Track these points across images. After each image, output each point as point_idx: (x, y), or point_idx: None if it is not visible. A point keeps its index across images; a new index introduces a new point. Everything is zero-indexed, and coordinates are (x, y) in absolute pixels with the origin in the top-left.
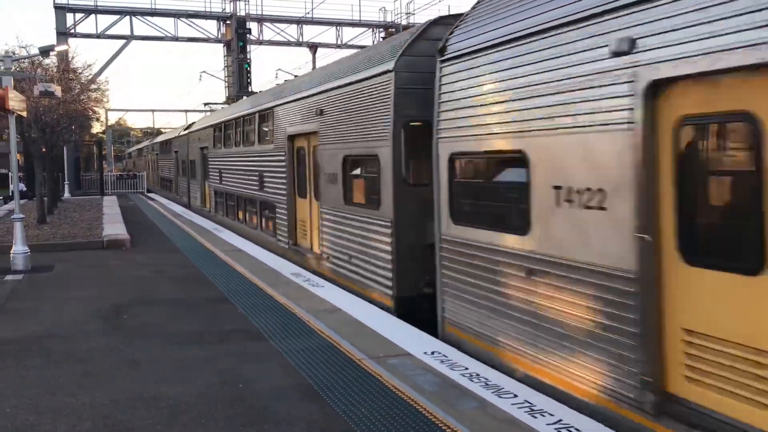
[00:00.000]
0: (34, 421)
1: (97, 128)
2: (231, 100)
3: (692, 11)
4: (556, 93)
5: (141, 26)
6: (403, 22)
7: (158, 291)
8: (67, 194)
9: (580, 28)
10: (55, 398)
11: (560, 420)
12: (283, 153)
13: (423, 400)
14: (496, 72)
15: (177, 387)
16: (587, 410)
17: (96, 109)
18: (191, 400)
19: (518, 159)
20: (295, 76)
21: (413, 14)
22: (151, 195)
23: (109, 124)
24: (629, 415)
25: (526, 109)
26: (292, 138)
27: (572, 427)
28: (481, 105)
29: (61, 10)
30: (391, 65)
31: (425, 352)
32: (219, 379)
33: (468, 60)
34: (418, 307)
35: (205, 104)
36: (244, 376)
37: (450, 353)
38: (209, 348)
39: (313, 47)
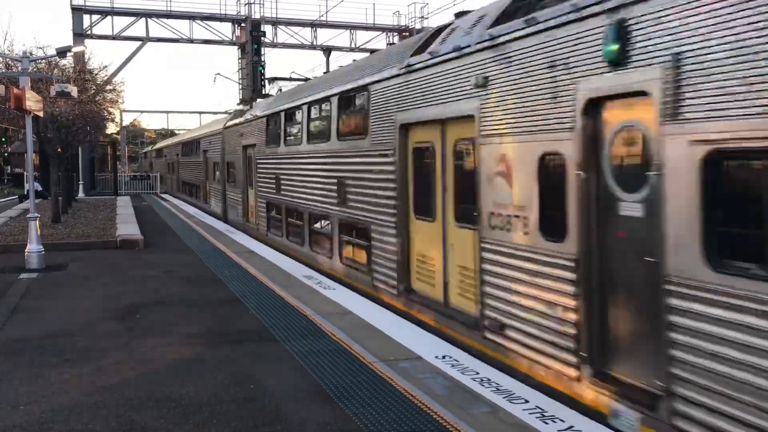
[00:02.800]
0: (48, 419)
1: (111, 129)
2: (244, 102)
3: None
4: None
5: (157, 28)
6: (417, 26)
7: (171, 291)
8: (81, 194)
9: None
10: (68, 396)
11: (572, 426)
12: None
13: (434, 404)
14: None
15: (189, 387)
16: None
17: (111, 109)
18: (203, 400)
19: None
20: (307, 78)
21: (427, 18)
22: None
23: (123, 124)
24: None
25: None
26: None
27: None
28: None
29: (77, 11)
30: (221, 126)
31: (436, 356)
32: (231, 380)
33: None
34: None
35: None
36: (256, 377)
37: (461, 357)
38: (221, 348)
39: (327, 50)
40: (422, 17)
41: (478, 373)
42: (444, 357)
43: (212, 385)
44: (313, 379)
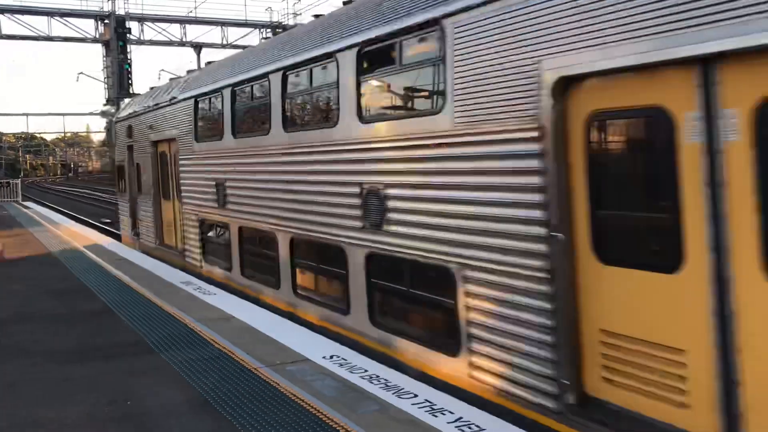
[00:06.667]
0: None
1: None
2: (111, 102)
3: None
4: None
5: (11, 25)
6: (290, 22)
7: (36, 306)
8: None
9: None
10: None
11: (460, 417)
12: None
13: (322, 406)
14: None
15: (60, 409)
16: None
17: None
18: (77, 423)
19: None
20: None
21: (299, 14)
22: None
23: None
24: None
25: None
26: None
27: (472, 423)
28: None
29: None
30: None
31: (324, 357)
32: (106, 398)
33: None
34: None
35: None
36: (134, 392)
37: (349, 356)
38: (94, 365)
39: (198, 47)
40: (295, 13)
41: (366, 371)
42: (332, 357)
43: (85, 405)
44: (195, 390)
